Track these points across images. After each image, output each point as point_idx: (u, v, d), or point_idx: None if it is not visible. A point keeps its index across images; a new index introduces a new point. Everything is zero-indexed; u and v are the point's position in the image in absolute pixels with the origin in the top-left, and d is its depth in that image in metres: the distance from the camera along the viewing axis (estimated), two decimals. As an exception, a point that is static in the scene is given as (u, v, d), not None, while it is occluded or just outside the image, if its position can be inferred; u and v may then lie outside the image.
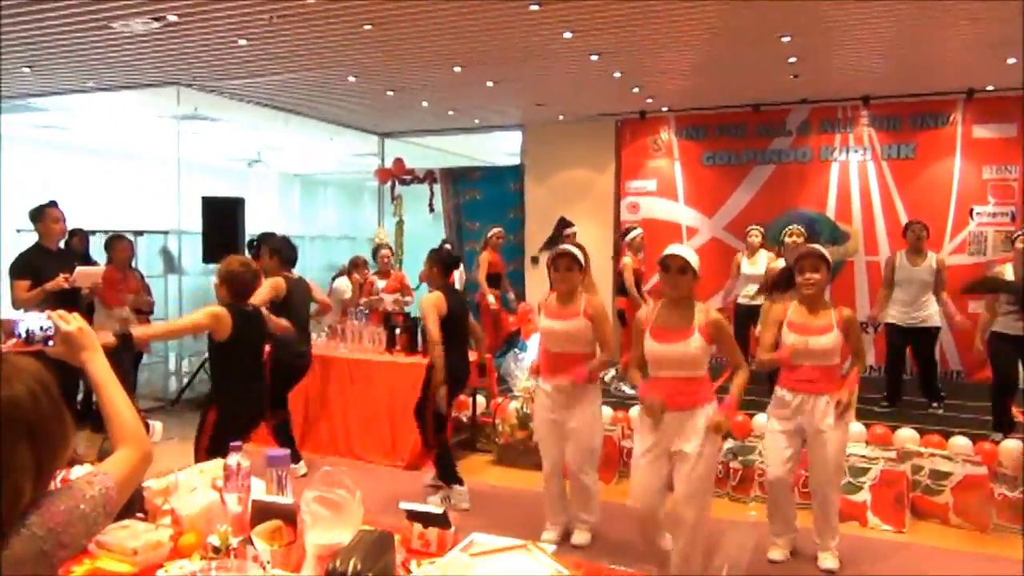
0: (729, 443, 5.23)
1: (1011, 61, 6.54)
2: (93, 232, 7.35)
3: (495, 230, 8.11)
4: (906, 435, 5.08)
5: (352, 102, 8.57)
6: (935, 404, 6.32)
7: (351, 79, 7.39)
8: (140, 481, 1.63)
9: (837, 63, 6.85)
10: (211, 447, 3.59)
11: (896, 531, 4.56)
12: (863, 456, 4.81)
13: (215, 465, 2.37)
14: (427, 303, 4.69)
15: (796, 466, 4.05)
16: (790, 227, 6.52)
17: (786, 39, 5.96)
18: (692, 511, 3.40)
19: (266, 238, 6.06)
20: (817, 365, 3.84)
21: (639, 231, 7.40)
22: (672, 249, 3.41)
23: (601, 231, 9.22)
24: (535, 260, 9.60)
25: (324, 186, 13.47)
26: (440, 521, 2.15)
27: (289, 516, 1.98)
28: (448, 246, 5.93)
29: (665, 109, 8.90)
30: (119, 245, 6.63)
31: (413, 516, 2.16)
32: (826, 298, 4.05)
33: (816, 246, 4.05)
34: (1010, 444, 4.82)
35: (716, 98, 8.30)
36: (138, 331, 3.90)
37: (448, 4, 5.26)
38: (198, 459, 3.46)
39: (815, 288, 3.86)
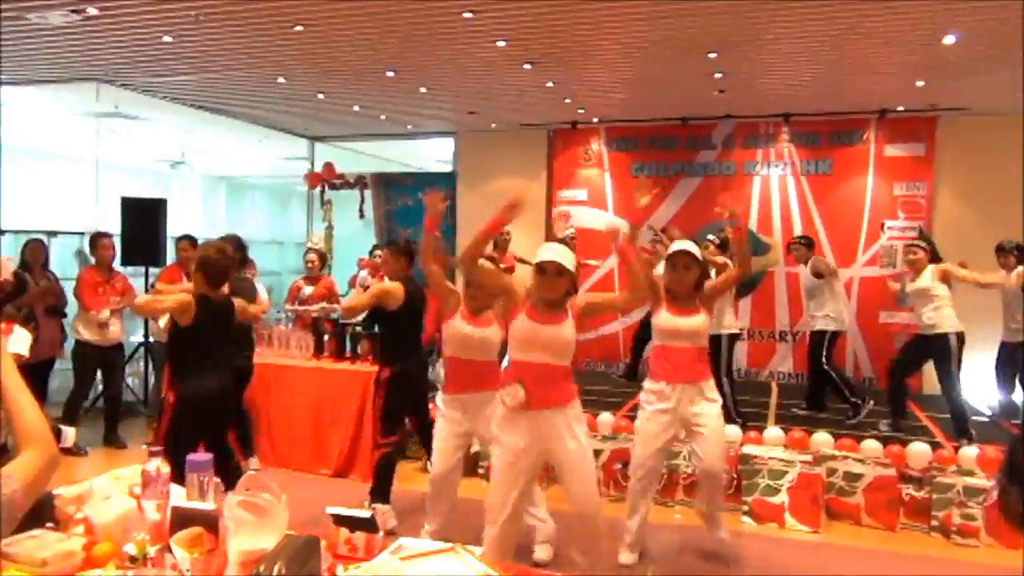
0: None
1: (920, 84, 6.92)
2: (2, 232, 7.01)
3: (402, 233, 8.08)
4: (822, 439, 5.30)
5: (282, 104, 8.42)
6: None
7: (280, 81, 7.26)
8: (47, 485, 1.56)
9: (760, 81, 7.10)
10: (171, 431, 3.81)
11: (812, 531, 4.73)
12: (782, 460, 4.98)
13: (132, 472, 2.28)
14: (379, 286, 4.69)
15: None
16: (707, 238, 6.72)
17: (712, 55, 6.15)
18: None
19: (184, 239, 5.94)
20: (690, 346, 3.92)
21: (571, 231, 7.44)
22: (547, 254, 3.36)
23: (532, 239, 9.26)
24: (466, 267, 9.60)
25: (252, 190, 13.18)
26: (367, 525, 2.13)
27: (211, 522, 1.92)
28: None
29: (596, 120, 9.05)
30: (102, 243, 6.28)
31: (340, 521, 2.14)
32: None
33: (689, 246, 4.03)
34: (917, 447, 5.08)
35: (645, 111, 8.49)
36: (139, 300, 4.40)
37: (380, 8, 5.24)
38: (158, 443, 3.48)
39: (685, 288, 3.96)
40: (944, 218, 8.12)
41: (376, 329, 5.24)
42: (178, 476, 2.09)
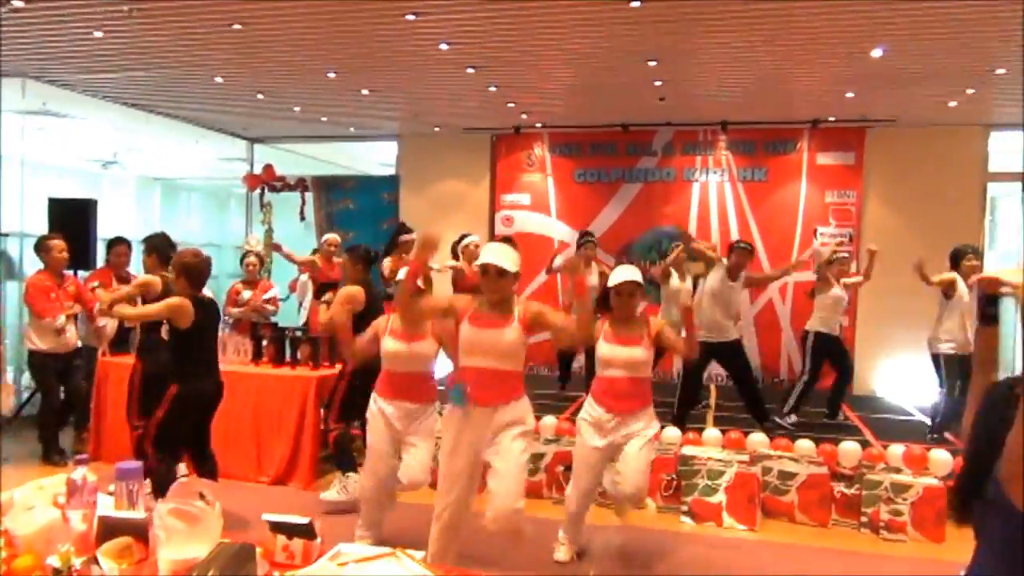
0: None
1: (849, 95, 7.17)
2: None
3: (328, 237, 7.71)
4: (758, 439, 5.42)
5: (219, 104, 8.24)
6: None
7: (218, 80, 7.11)
8: None
9: (699, 89, 7.26)
10: (165, 427, 4.12)
11: (748, 530, 4.83)
12: (719, 460, 5.08)
13: (56, 481, 2.20)
14: (344, 291, 4.81)
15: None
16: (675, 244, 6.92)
17: (652, 63, 6.26)
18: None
19: (116, 241, 5.75)
20: (630, 376, 3.90)
21: (474, 238, 7.26)
22: (487, 256, 3.37)
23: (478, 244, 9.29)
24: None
25: (188, 191, 12.83)
26: (305, 532, 2.09)
27: (140, 532, 1.87)
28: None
29: (539, 125, 9.11)
30: (53, 246, 5.85)
31: (276, 527, 2.09)
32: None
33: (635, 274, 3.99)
34: (848, 446, 5.24)
35: (588, 117, 8.59)
36: (111, 299, 4.41)
37: (321, 8, 5.18)
38: (149, 431, 4.14)
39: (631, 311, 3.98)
40: (872, 225, 8.43)
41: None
42: (166, 471, 2.05)
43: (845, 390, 6.94)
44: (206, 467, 4.46)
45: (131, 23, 5.45)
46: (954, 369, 6.10)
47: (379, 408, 4.09)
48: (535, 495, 5.07)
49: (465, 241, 7.09)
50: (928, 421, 6.49)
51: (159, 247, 5.16)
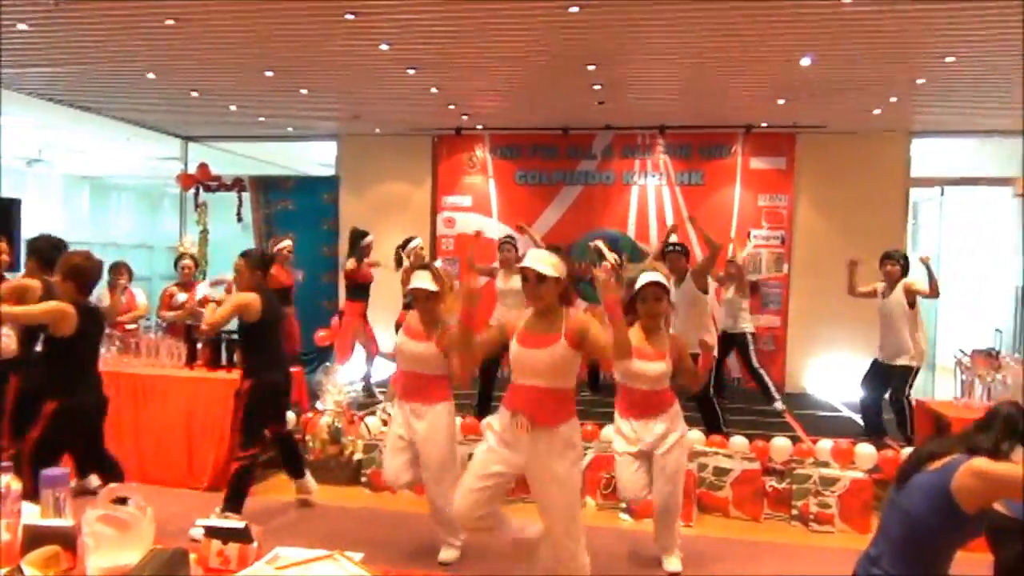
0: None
1: (781, 102, 7.41)
2: None
3: (285, 243, 7.56)
4: (694, 436, 5.54)
5: (152, 101, 8.02)
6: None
7: (151, 76, 6.92)
8: None
9: (637, 94, 7.40)
10: (44, 442, 3.74)
11: (685, 524, 4.93)
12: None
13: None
14: (238, 298, 4.48)
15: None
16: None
17: (591, 67, 6.35)
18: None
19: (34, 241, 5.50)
20: (649, 390, 3.95)
21: (418, 241, 7.12)
22: (527, 261, 3.26)
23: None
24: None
25: (118, 190, 12.47)
26: (241, 536, 2.07)
27: (68, 540, 1.82)
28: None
29: (480, 127, 9.14)
30: None
31: (211, 532, 2.06)
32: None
33: (658, 276, 4.00)
34: (779, 441, 5.41)
35: (528, 119, 8.65)
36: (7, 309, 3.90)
37: (258, 6, 5.10)
38: (26, 453, 3.68)
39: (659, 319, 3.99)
40: (802, 228, 8.72)
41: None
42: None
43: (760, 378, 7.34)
44: (108, 472, 4.22)
45: (58, 16, 5.28)
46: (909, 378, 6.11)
47: (396, 407, 4.18)
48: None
49: (411, 245, 6.98)
50: (859, 420, 6.56)
51: (41, 249, 4.80)
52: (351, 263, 7.29)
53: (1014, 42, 5.51)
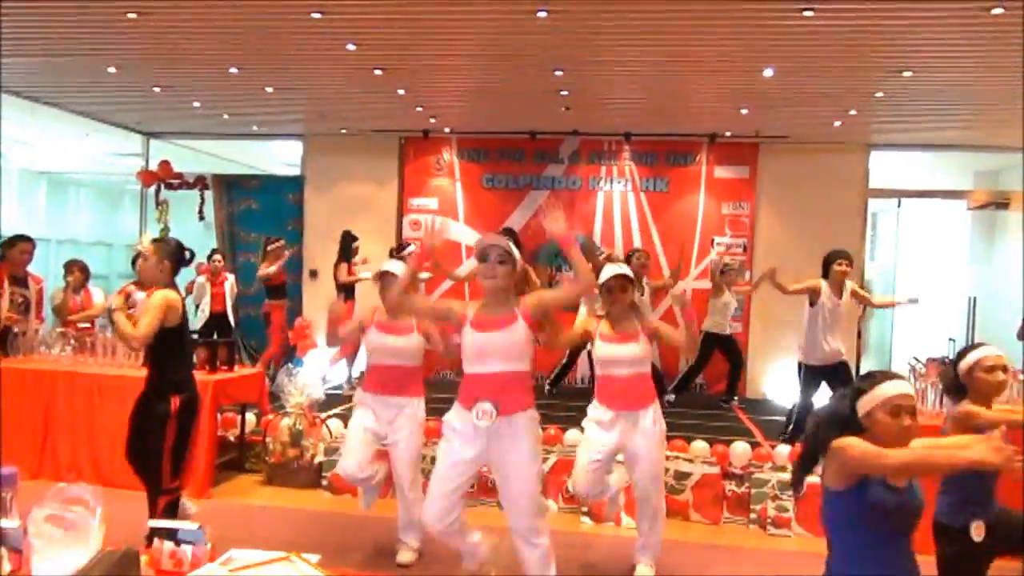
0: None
1: (744, 111, 7.52)
2: None
3: (280, 242, 8.09)
4: (655, 441, 5.60)
5: (112, 96, 7.87)
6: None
7: (111, 70, 6.79)
8: None
9: (603, 100, 7.46)
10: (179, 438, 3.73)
11: (645, 528, 4.97)
12: (618, 462, 5.20)
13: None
14: (161, 298, 3.79)
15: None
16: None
17: (558, 73, 6.39)
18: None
19: (17, 239, 5.39)
20: (632, 374, 3.90)
21: (412, 249, 7.28)
22: (488, 240, 3.29)
23: (383, 246, 9.20)
24: (313, 273, 9.41)
25: (77, 187, 12.19)
26: (194, 538, 2.04)
27: (13, 541, 1.77)
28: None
29: (448, 130, 9.13)
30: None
31: (163, 534, 2.03)
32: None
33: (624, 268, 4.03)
34: (739, 446, 5.48)
35: (496, 123, 8.66)
36: None
37: (223, 1, 5.04)
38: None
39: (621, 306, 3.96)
40: (764, 236, 8.86)
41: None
42: None
43: (738, 374, 7.90)
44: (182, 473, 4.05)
45: (13, 6, 5.15)
46: (819, 378, 6.12)
47: (362, 401, 4.12)
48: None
49: (406, 252, 6.96)
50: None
51: None
52: (343, 266, 7.74)
53: (969, 59, 5.68)
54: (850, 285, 6.05)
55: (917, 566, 2.30)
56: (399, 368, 4.07)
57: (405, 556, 4.13)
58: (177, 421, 3.87)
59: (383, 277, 4.00)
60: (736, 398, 7.91)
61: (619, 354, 3.87)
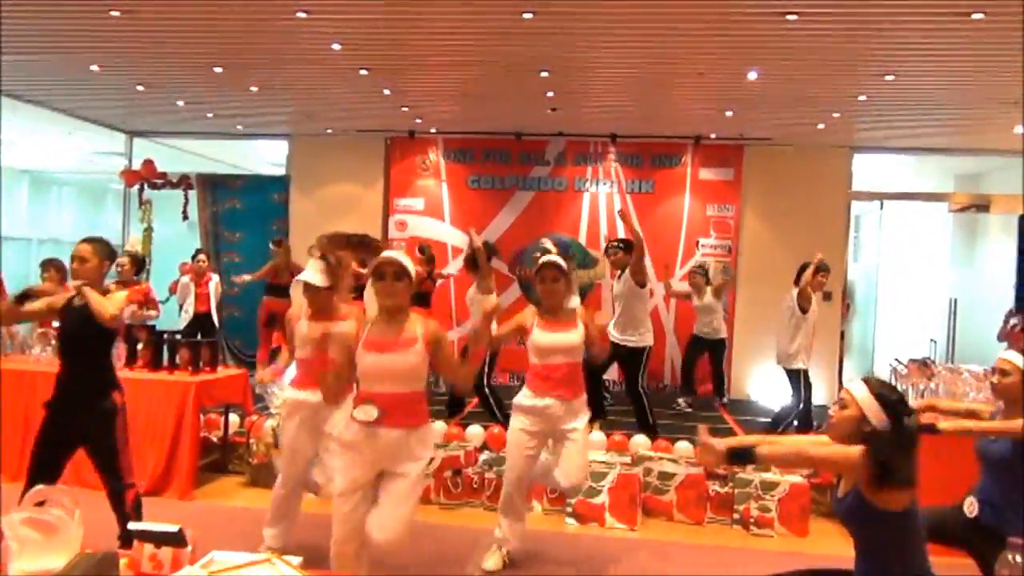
0: (485, 455, 5.43)
1: (729, 114, 7.56)
2: None
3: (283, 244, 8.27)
4: (640, 441, 5.63)
5: (95, 94, 7.81)
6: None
7: (94, 68, 6.74)
8: None
9: (589, 102, 7.47)
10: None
11: (629, 529, 4.99)
12: (603, 462, 5.23)
13: None
14: (123, 294, 3.76)
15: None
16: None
17: (544, 74, 6.40)
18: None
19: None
20: (568, 362, 3.93)
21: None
22: (389, 254, 3.15)
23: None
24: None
25: (59, 185, 12.10)
26: (175, 540, 2.02)
27: (-10, 544, 1.76)
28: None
29: (434, 130, 9.12)
30: None
31: (143, 536, 2.01)
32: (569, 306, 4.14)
33: (557, 258, 4.05)
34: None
35: (482, 124, 8.66)
36: None
37: (208, 0, 5.02)
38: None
39: (557, 298, 3.97)
40: (749, 237, 8.91)
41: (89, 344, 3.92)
42: None
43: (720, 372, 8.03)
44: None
45: (-5, 4, 5.11)
46: (808, 381, 6.41)
47: (295, 401, 3.96)
48: (424, 500, 5.05)
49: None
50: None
51: None
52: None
53: (951, 63, 5.74)
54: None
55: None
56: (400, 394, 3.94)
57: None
58: (124, 417, 3.82)
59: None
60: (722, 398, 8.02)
61: (556, 342, 3.90)
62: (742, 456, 2.37)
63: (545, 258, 3.99)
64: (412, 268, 3.13)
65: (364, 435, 3.09)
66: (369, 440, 3.09)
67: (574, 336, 3.91)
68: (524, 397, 3.99)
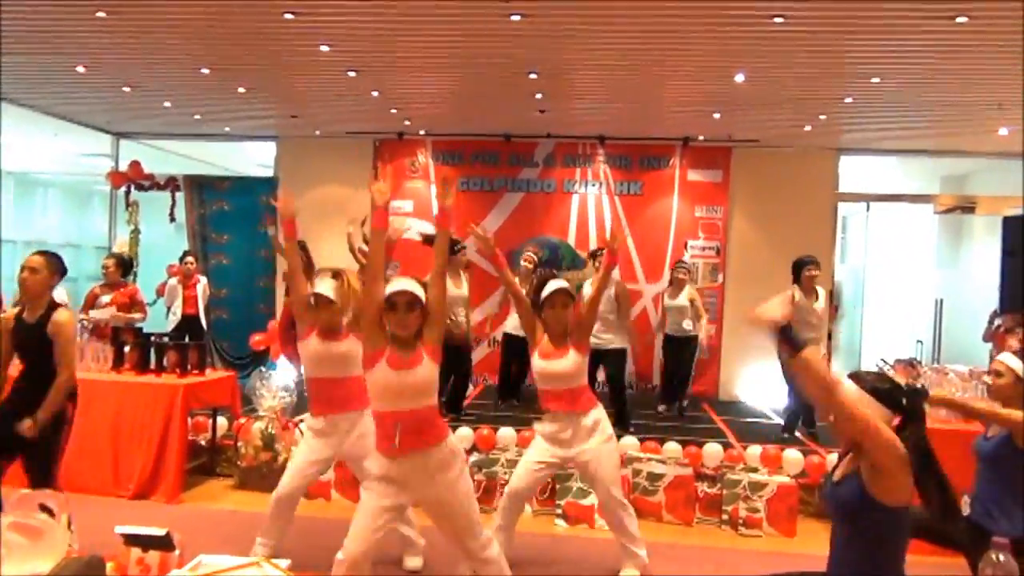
0: (474, 456, 5.44)
1: (717, 116, 7.60)
2: None
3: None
4: (629, 442, 5.64)
5: (81, 95, 7.76)
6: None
7: (80, 69, 6.70)
8: None
9: (577, 104, 7.49)
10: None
11: (617, 530, 5.00)
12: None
13: None
14: (70, 329, 3.77)
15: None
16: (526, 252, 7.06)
17: (533, 76, 6.41)
18: None
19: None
20: (564, 388, 3.93)
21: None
22: (400, 284, 3.04)
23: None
24: (286, 276, 9.33)
25: (45, 187, 11.99)
26: (163, 544, 2.02)
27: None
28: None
29: (423, 132, 9.11)
30: None
31: (131, 540, 2.01)
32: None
33: (565, 284, 4.01)
34: (711, 447, 5.54)
35: (471, 125, 8.66)
36: None
37: (195, 1, 4.99)
38: None
39: (563, 325, 3.95)
40: (737, 239, 8.95)
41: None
42: None
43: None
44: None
45: (-20, 4, 5.07)
46: None
47: (310, 428, 3.91)
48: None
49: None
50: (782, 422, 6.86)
51: None
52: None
53: (935, 66, 5.79)
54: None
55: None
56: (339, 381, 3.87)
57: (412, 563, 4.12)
58: (70, 427, 3.83)
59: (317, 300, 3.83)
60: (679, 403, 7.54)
61: (548, 369, 3.91)
62: (794, 341, 2.24)
63: (556, 285, 3.94)
64: (423, 296, 3.04)
65: (389, 464, 3.05)
66: (395, 467, 3.04)
67: (565, 363, 3.89)
68: (543, 422, 4.03)
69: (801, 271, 6.35)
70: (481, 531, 3.21)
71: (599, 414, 4.00)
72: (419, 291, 3.02)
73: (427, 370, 3.02)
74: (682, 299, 7.23)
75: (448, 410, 6.61)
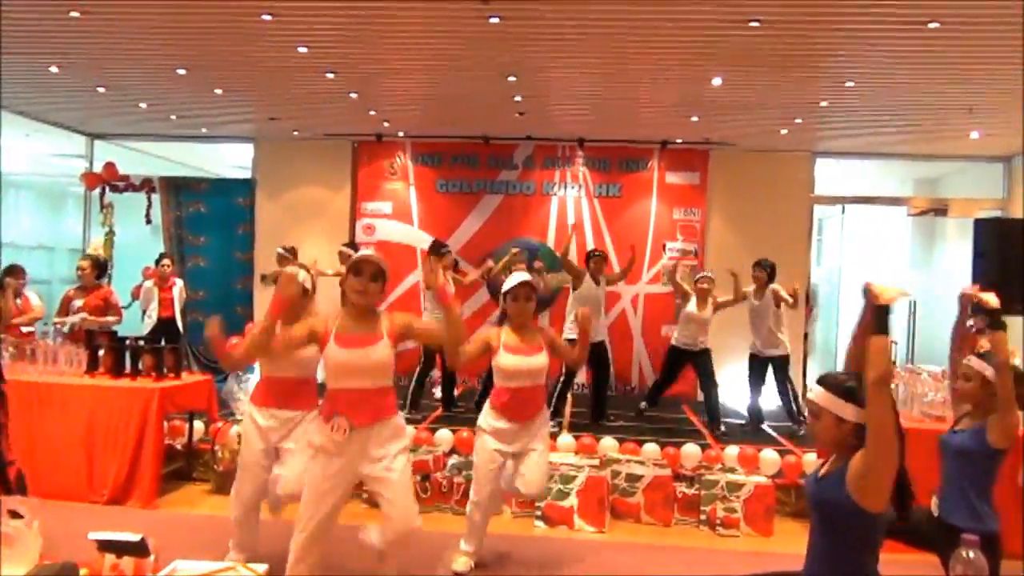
0: (453, 459, 5.43)
1: (694, 119, 7.65)
2: None
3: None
4: (608, 444, 5.66)
5: (54, 96, 7.66)
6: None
7: (53, 70, 6.61)
8: None
9: (556, 106, 7.51)
10: None
11: (598, 531, 5.02)
12: (571, 465, 5.26)
13: None
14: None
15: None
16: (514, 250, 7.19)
17: (511, 79, 6.42)
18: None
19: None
20: (532, 385, 4.00)
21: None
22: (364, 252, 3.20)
23: (336, 252, 9.12)
24: (264, 279, 9.26)
25: (16, 188, 11.80)
26: (138, 550, 2.00)
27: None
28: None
29: (401, 134, 9.09)
30: None
31: (105, 546, 1.98)
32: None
33: (528, 276, 4.10)
34: (689, 448, 5.57)
35: (449, 127, 8.66)
36: None
37: (171, 1, 4.95)
38: None
39: (527, 316, 4.02)
40: (715, 241, 9.02)
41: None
42: None
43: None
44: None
45: (-50, 3, 4.99)
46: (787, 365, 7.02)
47: (252, 418, 3.87)
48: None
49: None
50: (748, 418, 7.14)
51: None
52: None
53: (908, 70, 5.88)
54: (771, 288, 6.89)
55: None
56: (291, 380, 3.87)
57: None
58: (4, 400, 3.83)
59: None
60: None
61: (521, 365, 3.92)
62: (887, 322, 2.37)
63: (518, 277, 4.01)
64: (387, 273, 3.19)
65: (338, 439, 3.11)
66: (343, 443, 3.11)
67: (539, 360, 3.96)
68: (488, 417, 4.02)
69: (753, 271, 6.94)
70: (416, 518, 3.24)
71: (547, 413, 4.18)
72: (386, 267, 3.17)
73: (384, 350, 3.14)
74: (708, 312, 7.00)
75: (445, 407, 6.92)
